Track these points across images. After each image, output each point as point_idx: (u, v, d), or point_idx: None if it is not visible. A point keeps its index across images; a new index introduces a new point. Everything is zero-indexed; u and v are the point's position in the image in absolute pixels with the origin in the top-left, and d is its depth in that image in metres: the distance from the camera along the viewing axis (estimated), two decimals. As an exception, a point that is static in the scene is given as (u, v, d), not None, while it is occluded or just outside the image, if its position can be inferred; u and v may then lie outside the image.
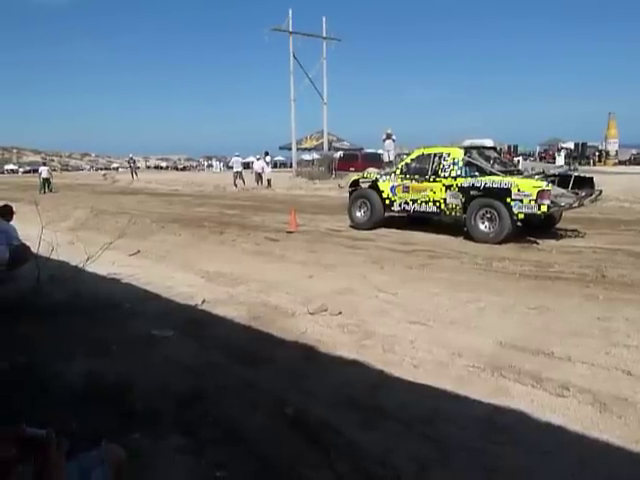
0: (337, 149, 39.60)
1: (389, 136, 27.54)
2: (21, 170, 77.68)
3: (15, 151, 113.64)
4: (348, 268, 7.65)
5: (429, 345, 4.59)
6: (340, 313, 5.50)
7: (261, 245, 9.87)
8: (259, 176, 27.37)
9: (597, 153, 44.47)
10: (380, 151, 32.11)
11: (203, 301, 6.01)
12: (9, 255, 6.81)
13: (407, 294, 6.25)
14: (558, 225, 10.78)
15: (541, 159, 49.49)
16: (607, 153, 41.79)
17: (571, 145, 43.35)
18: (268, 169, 27.88)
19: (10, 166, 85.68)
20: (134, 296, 6.25)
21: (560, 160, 22.25)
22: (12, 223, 7.34)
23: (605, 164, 40.09)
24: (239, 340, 4.84)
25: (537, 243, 9.42)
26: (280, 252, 9.06)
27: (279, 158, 57.81)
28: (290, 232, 11.09)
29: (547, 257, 8.21)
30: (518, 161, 27.45)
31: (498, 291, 6.27)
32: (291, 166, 37.90)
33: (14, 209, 7.51)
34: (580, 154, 44.97)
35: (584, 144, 47.57)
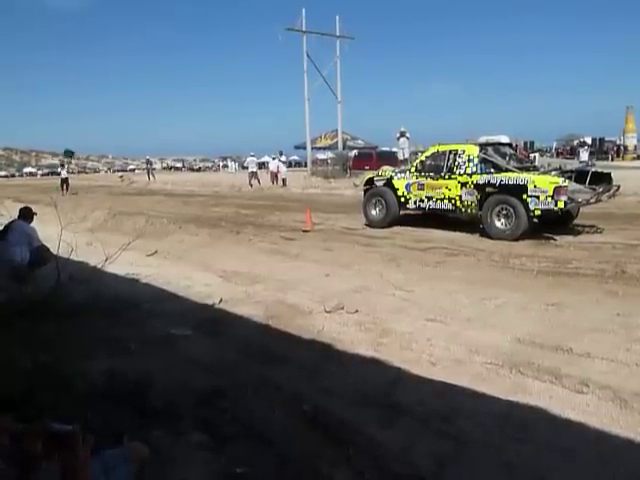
0: (352, 148, 39.57)
1: (403, 134, 27.48)
2: (40, 173, 78.62)
3: (34, 154, 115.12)
4: (364, 266, 7.65)
5: (446, 342, 4.58)
6: (357, 311, 5.51)
7: (277, 244, 9.91)
8: (274, 176, 27.47)
9: (615, 148, 43.96)
10: (395, 149, 32.05)
11: (221, 300, 6.05)
12: (30, 256, 6.93)
13: (424, 292, 6.24)
14: (576, 221, 10.68)
15: (558, 155, 48.99)
16: (625, 148, 41.27)
17: (588, 140, 42.84)
18: (284, 168, 27.94)
19: (29, 169, 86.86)
20: (153, 296, 6.31)
21: (584, 156, 21.94)
22: (32, 224, 7.46)
23: (623, 159, 39.59)
24: (257, 338, 4.87)
25: (554, 239, 9.34)
26: (296, 251, 9.09)
27: (294, 157, 57.88)
28: (306, 231, 11.12)
29: (565, 253, 8.14)
30: (534, 157, 27.20)
31: (516, 288, 6.23)
32: (306, 165, 37.96)
33: (34, 210, 7.62)
34: (598, 149, 44.47)
35: (602, 139, 47.03)
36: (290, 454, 2.96)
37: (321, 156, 47.47)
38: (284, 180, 26.65)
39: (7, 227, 7.23)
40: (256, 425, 3.26)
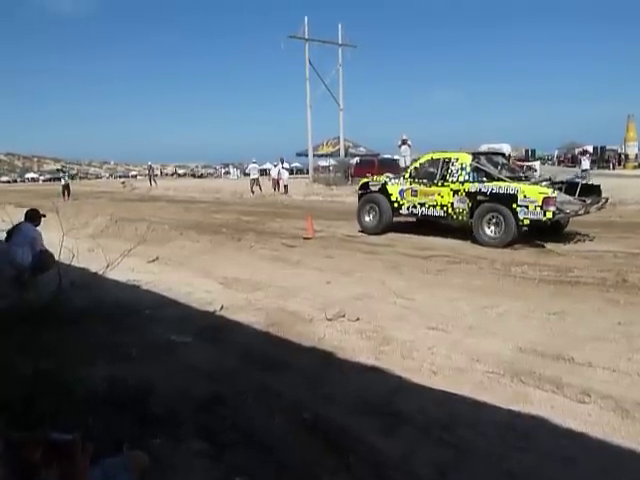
0: (353, 155, 39.64)
1: (405, 142, 27.54)
2: (42, 178, 78.79)
3: (36, 160, 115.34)
4: (366, 274, 7.65)
5: (448, 351, 4.58)
6: (358, 319, 5.50)
7: (278, 251, 9.90)
8: (276, 182, 27.51)
9: (617, 156, 44.04)
10: (397, 157, 32.08)
11: (221, 307, 6.05)
12: (32, 260, 6.92)
13: (425, 299, 6.23)
14: (577, 229, 10.69)
15: (559, 163, 49.06)
16: (627, 156, 41.33)
17: (590, 148, 42.90)
18: (286, 175, 27.98)
19: (31, 174, 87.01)
20: (154, 302, 6.31)
21: (585, 164, 22.08)
22: (38, 228, 7.44)
23: (625, 167, 39.64)
24: (257, 346, 4.86)
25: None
26: (297, 258, 9.08)
27: (296, 164, 57.96)
28: (307, 238, 11.11)
29: (566, 262, 8.12)
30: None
31: (517, 296, 6.23)
32: (307, 172, 38.03)
33: (41, 212, 7.59)
34: (599, 157, 44.55)
35: (603, 147, 47.12)
36: (290, 462, 2.95)
37: (323, 163, 47.56)
38: (286, 187, 26.69)
39: (14, 228, 7.24)
40: (256, 432, 3.25)
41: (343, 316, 5.57)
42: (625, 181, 21.47)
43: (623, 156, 42.44)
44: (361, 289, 6.73)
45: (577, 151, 44.10)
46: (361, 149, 44.51)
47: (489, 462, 2.93)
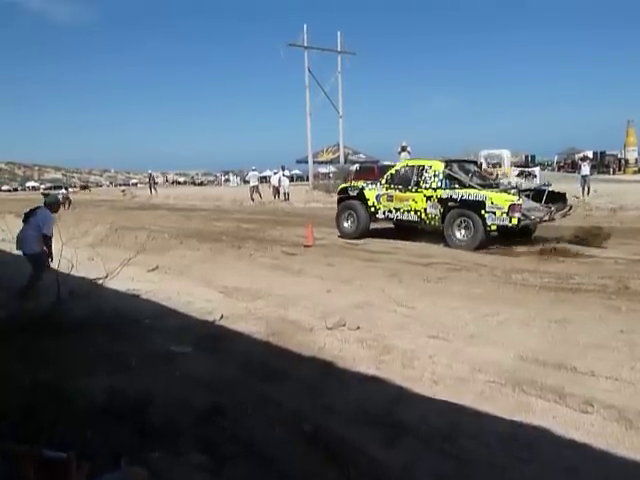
0: (353, 162, 39.73)
1: (404, 148, 27.67)
2: (42, 187, 78.87)
3: (36, 168, 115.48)
4: (366, 282, 7.62)
5: (449, 360, 4.55)
6: (358, 328, 5.48)
7: (279, 259, 9.89)
8: (276, 190, 27.54)
9: (617, 161, 44.11)
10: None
11: (221, 316, 6.02)
12: (36, 249, 6.91)
13: (426, 308, 6.20)
14: (577, 235, 10.65)
15: (559, 169, 49.07)
16: (627, 161, 41.39)
17: (590, 154, 42.97)
18: (286, 182, 28.01)
19: (32, 183, 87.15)
20: (153, 312, 6.29)
21: (585, 170, 22.13)
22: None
23: (625, 172, 39.72)
24: (257, 356, 4.84)
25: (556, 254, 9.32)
26: (298, 266, 9.06)
27: (296, 171, 58.06)
28: (307, 246, 11.09)
29: (567, 268, 8.10)
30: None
31: (518, 304, 6.20)
32: (308, 179, 38.10)
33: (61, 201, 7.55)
34: (599, 163, 44.60)
35: (603, 153, 47.20)
36: (290, 473, 2.93)
37: (323, 170, 47.66)
38: (286, 194, 26.71)
39: (31, 211, 7.21)
40: (256, 443, 3.23)
41: (343, 325, 5.54)
42: (625, 186, 21.48)
43: (623, 161, 42.52)
44: (361, 297, 6.71)
45: (577, 157, 44.11)
46: (361, 156, 44.64)
47: (491, 473, 2.90)
